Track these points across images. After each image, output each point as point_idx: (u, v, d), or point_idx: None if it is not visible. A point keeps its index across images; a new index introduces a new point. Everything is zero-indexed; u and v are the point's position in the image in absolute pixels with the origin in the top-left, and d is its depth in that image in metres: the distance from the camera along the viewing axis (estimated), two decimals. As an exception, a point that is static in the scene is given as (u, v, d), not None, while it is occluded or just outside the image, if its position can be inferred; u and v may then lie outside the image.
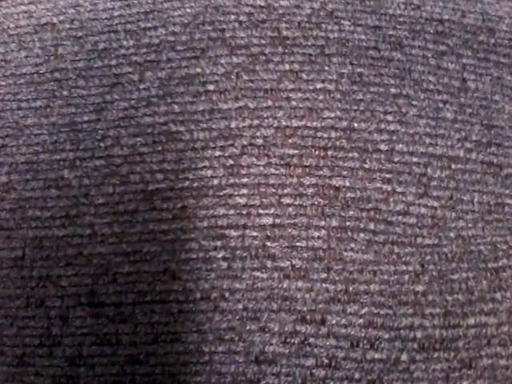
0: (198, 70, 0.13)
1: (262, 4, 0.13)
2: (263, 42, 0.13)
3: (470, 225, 0.12)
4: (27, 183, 0.12)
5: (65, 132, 0.13)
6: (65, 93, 0.13)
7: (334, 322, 0.11)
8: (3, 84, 0.14)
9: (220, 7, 0.13)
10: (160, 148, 0.12)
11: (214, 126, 0.12)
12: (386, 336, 0.11)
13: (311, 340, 0.11)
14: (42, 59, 0.14)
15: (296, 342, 0.11)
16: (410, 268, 0.11)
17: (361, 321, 0.11)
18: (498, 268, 0.11)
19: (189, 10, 0.13)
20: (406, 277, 0.11)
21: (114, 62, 0.13)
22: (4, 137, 0.13)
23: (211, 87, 0.13)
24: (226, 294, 0.11)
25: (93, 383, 0.11)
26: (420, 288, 0.11)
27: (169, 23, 0.13)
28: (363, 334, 0.11)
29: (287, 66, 0.13)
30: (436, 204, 0.12)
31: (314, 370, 0.11)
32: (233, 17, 0.13)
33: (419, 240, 0.12)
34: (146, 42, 0.13)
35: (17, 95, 0.13)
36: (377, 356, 0.11)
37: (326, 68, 0.13)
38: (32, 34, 0.14)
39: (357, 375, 0.11)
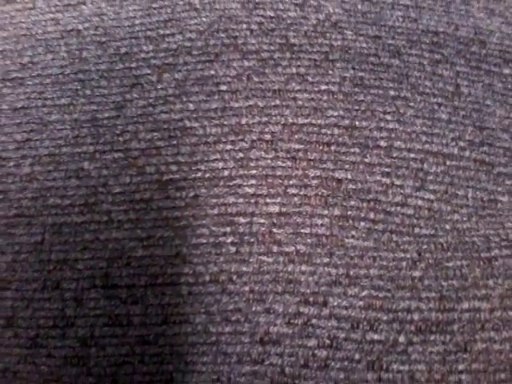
0: (212, 72, 0.14)
1: (272, 14, 0.15)
2: (272, 48, 0.14)
3: (464, 218, 0.12)
4: (49, 174, 0.13)
5: (86, 127, 0.14)
6: (87, 92, 0.14)
7: (335, 303, 0.11)
8: (30, 84, 0.15)
9: (233, 17, 0.15)
10: (175, 142, 0.13)
11: (225, 123, 0.13)
12: (385, 318, 0.11)
13: (314, 321, 0.11)
14: (67, 62, 0.15)
15: (299, 323, 0.11)
16: (408, 255, 0.12)
17: (361, 303, 0.11)
18: (491, 257, 0.12)
19: (204, 19, 0.15)
20: (404, 263, 0.12)
21: (134, 65, 0.14)
22: (29, 131, 0.14)
23: (224, 87, 0.14)
24: (234, 277, 0.12)
25: (103, 363, 0.11)
26: (417, 274, 0.12)
27: (186, 30, 0.14)
28: (363, 316, 0.11)
29: (294, 70, 0.14)
30: (432, 197, 0.13)
31: (316, 351, 0.11)
32: (245, 25, 0.14)
33: (416, 230, 0.12)
34: (165, 47, 0.14)
35: (42, 94, 0.14)
36: (376, 337, 0.11)
37: (330, 72, 0.14)
38: (58, 39, 0.15)
39: (357, 356, 0.11)
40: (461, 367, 0.11)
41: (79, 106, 0.14)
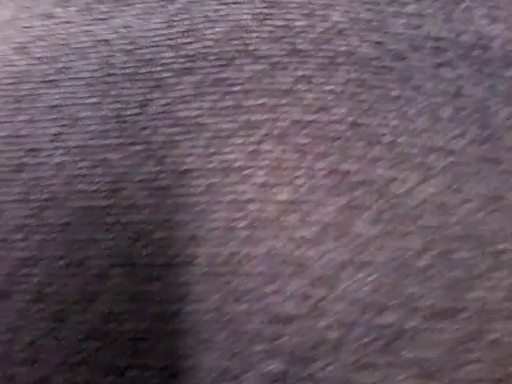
0: (226, 75, 0.15)
1: (281, 24, 0.16)
2: (281, 53, 0.15)
3: (470, 212, 0.13)
4: (77, 163, 0.15)
5: (112, 123, 0.15)
6: (114, 92, 0.16)
7: (343, 286, 0.12)
8: (63, 85, 0.16)
9: (246, 27, 0.16)
10: (192, 136, 0.14)
11: (238, 119, 0.14)
12: (393, 303, 0.12)
13: (323, 303, 0.12)
14: (97, 67, 0.16)
15: (309, 304, 0.12)
16: (414, 245, 0.12)
17: (368, 287, 0.12)
18: (497, 251, 0.12)
19: (219, 30, 0.16)
20: (410, 252, 0.12)
21: (156, 69, 0.16)
22: (60, 126, 0.15)
23: (237, 88, 0.15)
24: (245, 260, 0.12)
25: (122, 338, 0.12)
26: (423, 263, 0.12)
27: (203, 39, 0.16)
28: (371, 300, 0.12)
29: (301, 72, 0.15)
30: (436, 190, 0.13)
31: (326, 332, 0.11)
32: (256, 34, 0.16)
33: (422, 221, 0.13)
34: (184, 54, 0.16)
35: (74, 94, 0.16)
36: (384, 322, 0.11)
37: (335, 74, 0.15)
38: (90, 48, 0.17)
39: (365, 340, 0.11)
40: (472, 357, 0.11)
41: (106, 105, 0.15)
